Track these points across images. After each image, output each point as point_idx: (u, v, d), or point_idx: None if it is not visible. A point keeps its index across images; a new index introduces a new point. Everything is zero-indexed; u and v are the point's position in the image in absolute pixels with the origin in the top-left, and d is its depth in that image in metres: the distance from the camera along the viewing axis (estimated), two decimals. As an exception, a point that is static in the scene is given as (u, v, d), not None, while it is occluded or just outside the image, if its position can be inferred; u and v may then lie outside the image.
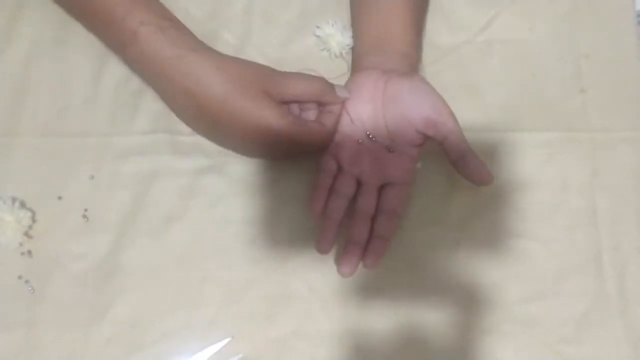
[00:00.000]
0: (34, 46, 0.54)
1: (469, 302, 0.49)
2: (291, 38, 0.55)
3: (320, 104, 0.49)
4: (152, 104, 0.52)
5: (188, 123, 0.50)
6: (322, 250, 0.47)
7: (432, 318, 0.49)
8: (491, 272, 0.50)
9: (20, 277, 0.49)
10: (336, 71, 0.54)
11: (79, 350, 0.48)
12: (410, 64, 0.51)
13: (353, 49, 0.53)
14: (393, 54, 0.50)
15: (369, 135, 0.49)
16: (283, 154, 0.50)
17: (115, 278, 0.49)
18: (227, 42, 0.54)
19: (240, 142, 0.49)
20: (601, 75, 0.54)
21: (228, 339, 0.48)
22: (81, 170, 0.51)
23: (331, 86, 0.48)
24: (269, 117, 0.45)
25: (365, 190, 0.48)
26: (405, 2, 0.51)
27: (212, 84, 0.45)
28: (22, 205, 0.50)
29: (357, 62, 0.52)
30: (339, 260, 0.46)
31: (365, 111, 0.49)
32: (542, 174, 0.52)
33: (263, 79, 0.46)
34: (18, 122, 0.52)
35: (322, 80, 0.48)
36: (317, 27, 0.54)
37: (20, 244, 0.49)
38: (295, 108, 0.49)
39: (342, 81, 0.52)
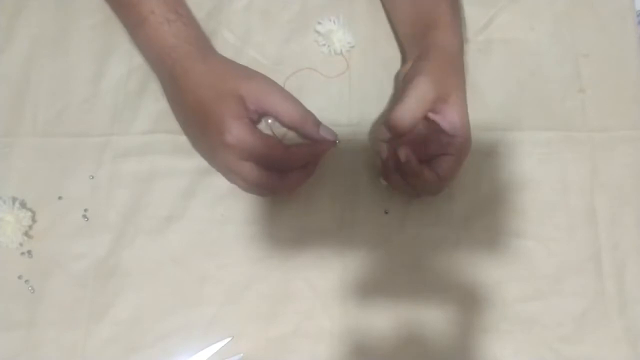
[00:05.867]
0: (34, 46, 0.54)
1: (469, 301, 0.49)
2: (291, 37, 0.55)
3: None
4: (152, 104, 0.52)
5: (177, 117, 0.50)
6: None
7: (432, 317, 0.49)
8: (491, 272, 0.50)
9: (20, 277, 0.49)
10: (336, 69, 0.54)
11: (79, 350, 0.48)
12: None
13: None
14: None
15: None
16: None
17: (115, 278, 0.49)
18: (227, 42, 0.54)
19: (207, 146, 0.48)
20: (600, 75, 0.54)
21: (228, 339, 0.48)
22: (81, 170, 0.51)
23: (316, 120, 0.46)
24: (226, 125, 0.43)
25: None
26: None
27: (194, 74, 0.46)
28: (22, 205, 0.50)
29: None
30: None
31: None
32: (541, 173, 0.52)
33: (244, 85, 0.45)
34: (18, 122, 0.52)
35: (308, 111, 0.46)
36: (319, 22, 0.54)
37: (20, 244, 0.49)
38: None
39: (341, 80, 0.52)
